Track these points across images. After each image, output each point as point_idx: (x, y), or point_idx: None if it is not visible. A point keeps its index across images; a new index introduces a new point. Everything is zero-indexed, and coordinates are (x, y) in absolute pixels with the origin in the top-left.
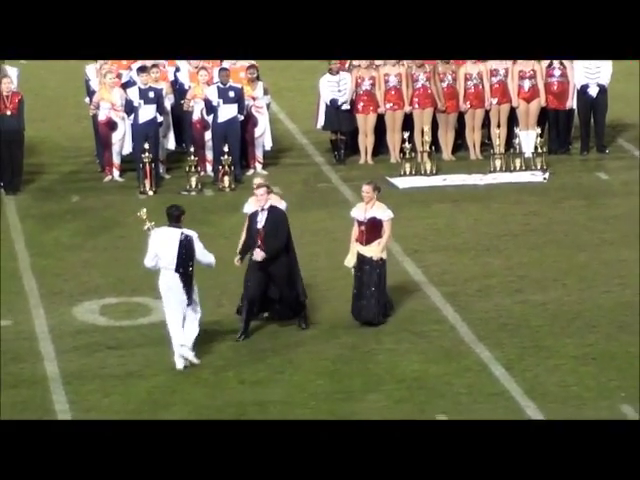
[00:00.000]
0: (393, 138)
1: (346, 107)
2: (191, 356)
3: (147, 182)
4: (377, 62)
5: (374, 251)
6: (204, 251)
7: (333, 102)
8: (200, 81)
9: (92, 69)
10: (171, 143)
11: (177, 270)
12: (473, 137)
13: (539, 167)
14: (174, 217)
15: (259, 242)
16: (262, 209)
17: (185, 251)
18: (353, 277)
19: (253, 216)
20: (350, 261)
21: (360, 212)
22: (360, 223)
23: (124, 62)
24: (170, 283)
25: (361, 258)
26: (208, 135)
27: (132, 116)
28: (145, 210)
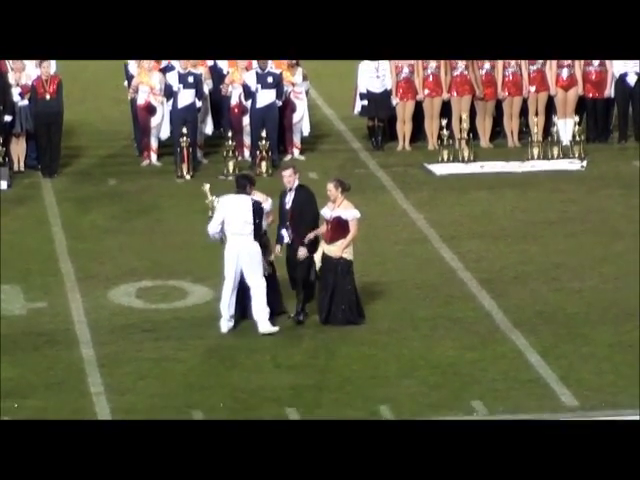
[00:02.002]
0: (431, 125)
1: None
2: (268, 326)
3: (184, 166)
4: None
5: (334, 250)
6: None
7: (371, 89)
8: (239, 66)
9: None
10: (209, 128)
11: (255, 237)
12: (511, 125)
13: (577, 155)
14: (241, 185)
15: (287, 223)
16: (290, 189)
17: (258, 218)
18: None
19: (282, 197)
20: (317, 262)
21: (328, 211)
22: (327, 222)
23: None
24: (238, 249)
25: (324, 257)
26: (246, 120)
27: (171, 100)
28: (209, 186)
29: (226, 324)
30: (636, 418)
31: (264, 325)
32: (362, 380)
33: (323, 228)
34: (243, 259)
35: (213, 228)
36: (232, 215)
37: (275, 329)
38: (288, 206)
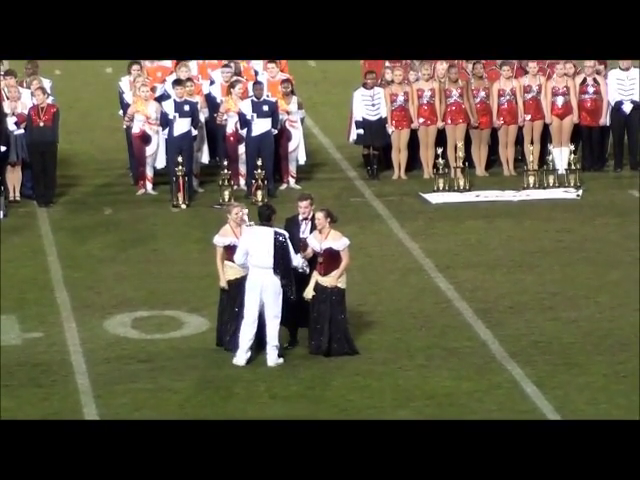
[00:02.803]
0: (426, 153)
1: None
2: (276, 359)
3: (180, 195)
4: (411, 77)
5: (329, 280)
6: (294, 253)
7: (366, 117)
8: (234, 94)
9: (126, 82)
10: (205, 157)
11: (275, 270)
12: (506, 153)
13: (572, 184)
14: (265, 216)
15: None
16: (305, 219)
17: (281, 250)
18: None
19: (292, 225)
20: (308, 293)
21: (316, 242)
22: (317, 254)
23: (158, 74)
24: (261, 281)
25: (318, 288)
26: (242, 149)
27: (167, 129)
28: (247, 211)
29: (243, 356)
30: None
31: (273, 359)
32: (358, 411)
33: (309, 252)
34: (265, 292)
35: (239, 260)
36: (255, 247)
37: (281, 361)
38: (303, 235)
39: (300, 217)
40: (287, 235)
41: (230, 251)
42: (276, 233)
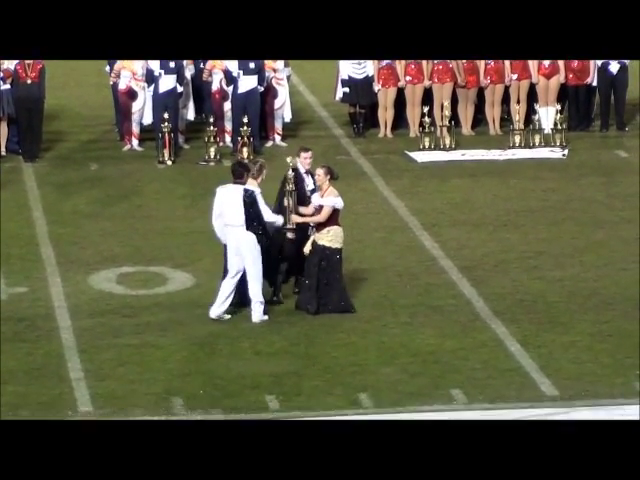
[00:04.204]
0: (413, 112)
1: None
2: (261, 316)
3: (166, 152)
4: None
5: (319, 237)
6: (266, 208)
7: (353, 75)
8: None
9: None
10: (190, 113)
11: (248, 227)
12: (493, 112)
13: (558, 143)
14: (237, 174)
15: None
16: (307, 172)
17: (251, 208)
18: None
19: (298, 180)
20: (306, 248)
21: (315, 198)
22: (316, 209)
23: None
24: (234, 239)
25: (313, 245)
26: (227, 106)
27: (152, 86)
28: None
29: (216, 311)
30: (615, 407)
31: (258, 315)
32: (342, 368)
33: (310, 210)
34: (242, 250)
35: (213, 221)
36: (226, 206)
37: (266, 318)
38: (309, 188)
39: (302, 170)
40: (257, 191)
41: None
42: (245, 190)
